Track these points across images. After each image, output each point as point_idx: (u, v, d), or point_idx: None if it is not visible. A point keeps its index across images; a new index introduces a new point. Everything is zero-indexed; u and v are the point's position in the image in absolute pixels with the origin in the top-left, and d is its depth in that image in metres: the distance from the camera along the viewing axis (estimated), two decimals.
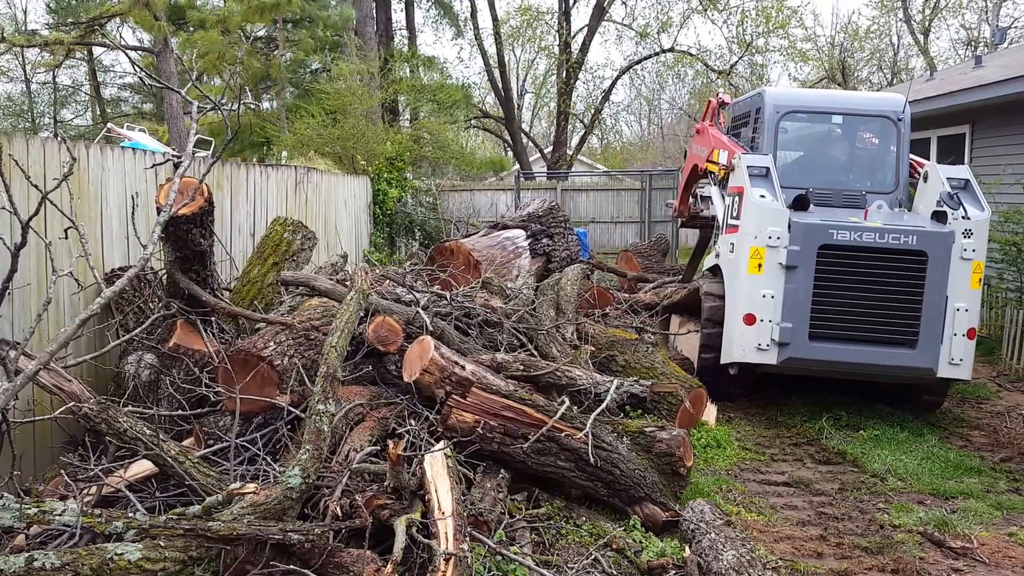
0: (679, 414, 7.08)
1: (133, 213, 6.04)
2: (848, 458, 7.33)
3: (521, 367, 6.51)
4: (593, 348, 7.81)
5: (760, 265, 7.83)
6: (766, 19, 29.70)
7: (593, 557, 4.77)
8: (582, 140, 34.98)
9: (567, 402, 5.85)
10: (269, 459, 4.86)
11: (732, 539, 4.84)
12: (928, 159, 11.42)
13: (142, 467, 4.84)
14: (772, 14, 29.53)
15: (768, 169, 8.31)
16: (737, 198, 8.36)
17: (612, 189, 23.99)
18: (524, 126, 38.60)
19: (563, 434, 5.55)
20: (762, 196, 7.97)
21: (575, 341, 7.87)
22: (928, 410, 8.66)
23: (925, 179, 8.60)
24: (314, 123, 19.48)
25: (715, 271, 9.00)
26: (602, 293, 10.19)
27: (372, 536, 4.46)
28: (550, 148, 33.71)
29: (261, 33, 30.34)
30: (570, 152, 33.98)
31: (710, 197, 12.19)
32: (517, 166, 31.42)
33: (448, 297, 7.20)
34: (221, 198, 8.44)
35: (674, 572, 4.74)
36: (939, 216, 8.10)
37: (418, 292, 7.17)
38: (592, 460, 5.49)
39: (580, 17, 56.63)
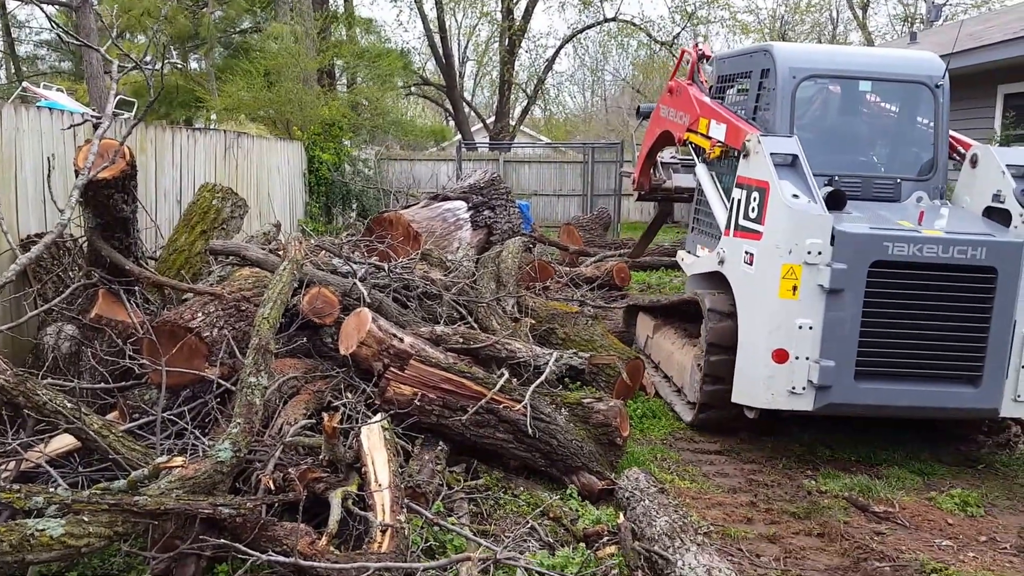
0: (617, 385, 7.21)
1: (49, 176, 5.90)
2: (779, 428, 7.40)
3: (461, 340, 6.54)
4: (533, 321, 7.88)
5: (795, 288, 6.31)
6: None
7: (530, 526, 4.87)
8: (525, 111, 35.03)
9: (506, 374, 5.92)
10: (198, 433, 4.81)
11: (665, 506, 4.96)
12: None
13: (63, 442, 4.75)
14: None
15: (796, 157, 6.68)
16: (757, 195, 6.72)
17: (555, 161, 24.09)
18: (466, 95, 38.40)
19: (502, 406, 5.62)
20: (795, 196, 6.39)
21: (516, 314, 7.92)
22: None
23: (974, 163, 7.15)
24: (247, 85, 19.10)
25: (710, 278, 7.60)
26: (543, 266, 10.27)
27: (308, 510, 4.46)
28: (492, 118, 33.67)
29: None
30: (513, 123, 33.96)
31: (670, 166, 11.40)
32: (459, 136, 31.27)
33: (387, 269, 7.17)
34: (145, 162, 8.26)
35: (608, 538, 4.86)
36: (998, 216, 6.77)
37: (355, 263, 7.13)
38: (531, 432, 5.58)
39: None
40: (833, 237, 6.22)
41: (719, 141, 7.88)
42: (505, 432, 5.66)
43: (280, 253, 6.91)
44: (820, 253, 6.21)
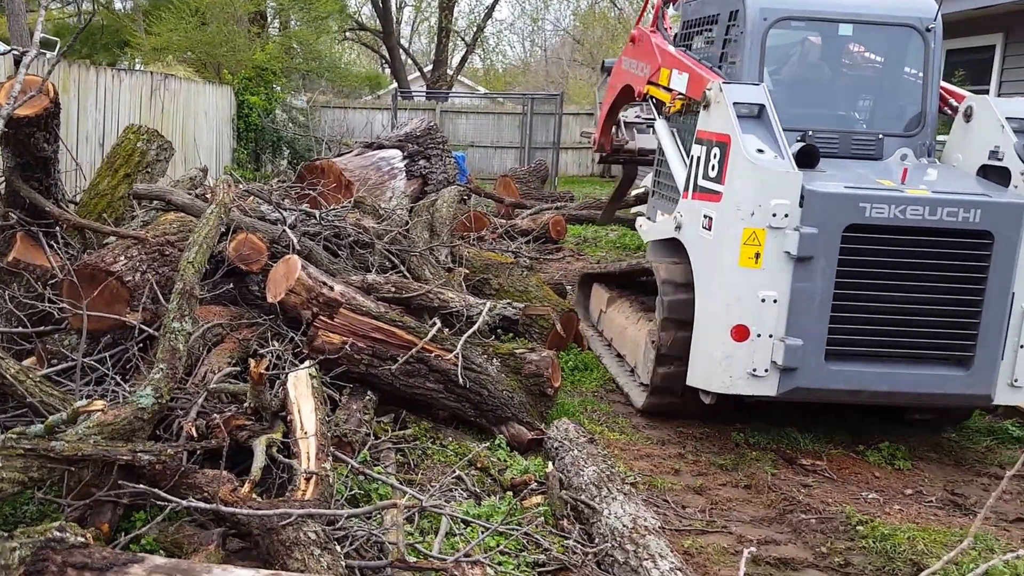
0: (550, 336, 7.25)
1: None
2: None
3: (393, 289, 6.54)
4: (467, 271, 7.89)
5: (758, 255, 5.64)
6: None
7: (457, 476, 4.92)
8: (463, 59, 34.70)
9: (438, 324, 5.95)
10: (119, 379, 4.75)
11: (593, 455, 5.06)
12: None
13: None
14: None
15: (763, 108, 5.99)
16: (718, 151, 6.03)
17: (493, 113, 23.99)
18: (403, 42, 37.83)
19: (433, 356, 5.64)
20: (760, 151, 5.73)
21: (449, 264, 7.93)
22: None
23: (967, 117, 6.47)
24: (178, 26, 18.57)
25: (669, 246, 6.92)
26: (478, 217, 10.29)
27: (232, 459, 4.45)
28: (430, 67, 33.29)
29: None
30: (451, 72, 33.63)
31: (634, 125, 10.84)
32: (395, 84, 30.88)
33: (317, 216, 7.11)
34: (68, 103, 8.04)
35: (535, 488, 4.92)
36: (995, 175, 6.16)
37: (285, 210, 7.05)
38: (461, 381, 5.60)
39: None
40: (802, 197, 5.57)
41: (680, 93, 7.15)
42: (435, 382, 5.68)
43: (208, 198, 6.81)
44: (787, 216, 5.56)
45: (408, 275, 7.23)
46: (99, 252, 5.42)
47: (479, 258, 8.28)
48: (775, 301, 5.66)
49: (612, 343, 8.05)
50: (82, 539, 3.09)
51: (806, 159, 5.94)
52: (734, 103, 5.97)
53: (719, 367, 5.84)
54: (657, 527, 4.32)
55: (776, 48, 7.04)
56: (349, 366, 5.55)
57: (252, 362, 4.47)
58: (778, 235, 5.61)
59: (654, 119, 8.24)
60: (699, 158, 6.32)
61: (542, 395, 6.02)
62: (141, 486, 3.88)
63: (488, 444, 5.63)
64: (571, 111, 25.20)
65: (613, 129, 10.24)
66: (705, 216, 6.10)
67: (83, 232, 6.12)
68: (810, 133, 6.40)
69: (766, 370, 5.72)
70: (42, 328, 5.27)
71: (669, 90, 7.39)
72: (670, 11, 8.64)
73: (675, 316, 6.32)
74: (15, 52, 5.94)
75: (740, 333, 5.74)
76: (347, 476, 4.59)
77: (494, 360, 5.97)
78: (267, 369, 4.62)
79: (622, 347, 7.73)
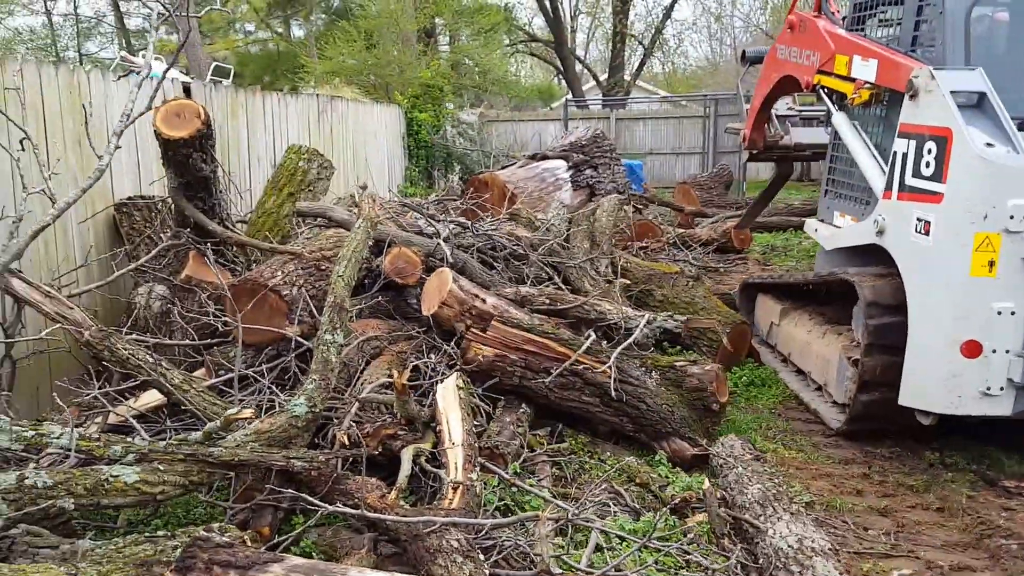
0: (719, 352, 7.11)
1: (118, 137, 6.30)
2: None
3: (547, 300, 6.68)
4: (629, 282, 7.91)
5: (992, 263, 5.27)
6: None
7: (614, 490, 4.96)
8: (641, 63, 34.67)
9: (593, 335, 6.01)
10: (276, 389, 5.13)
11: (760, 473, 4.97)
12: None
13: (153, 397, 5.16)
14: None
15: (983, 96, 5.53)
16: (933, 146, 5.67)
17: (673, 117, 23.73)
18: (579, 51, 38.22)
19: (588, 369, 5.71)
20: (989, 145, 5.32)
21: (610, 275, 7.99)
22: None
23: None
24: (348, 49, 19.57)
25: (858, 255, 6.66)
26: (645, 226, 10.26)
27: (386, 468, 4.74)
28: (606, 74, 33.41)
29: None
30: (628, 78, 33.63)
31: (787, 118, 10.36)
32: (568, 95, 31.23)
33: (471, 228, 7.37)
34: (238, 127, 8.70)
35: (697, 506, 4.88)
36: None
37: (439, 223, 7.35)
38: (615, 394, 5.64)
39: None
40: None
41: (867, 82, 6.81)
42: (591, 395, 5.75)
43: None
44: None
45: (565, 287, 7.35)
46: (258, 268, 5.86)
47: (642, 268, 8.28)
48: (1012, 313, 5.28)
49: (789, 358, 7.76)
50: (227, 539, 3.38)
51: None
52: (951, 91, 5.55)
53: (943, 386, 5.46)
54: (826, 548, 4.20)
55: (976, 26, 6.48)
56: (502, 378, 5.72)
57: (395, 373, 4.71)
58: (1017, 240, 5.21)
59: (809, 110, 8.14)
60: (905, 154, 5.95)
61: (707, 410, 5.94)
62: (291, 491, 4.19)
63: (648, 459, 5.63)
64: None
65: (765, 124, 9.81)
66: (919, 219, 5.70)
67: (247, 249, 6.62)
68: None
69: (1001, 388, 5.33)
70: (209, 341, 5.75)
71: (850, 79, 7.05)
72: None
73: (882, 341, 5.93)
74: (184, 81, 6.53)
75: (971, 349, 5.37)
76: (498, 487, 4.75)
77: (653, 373, 5.95)
78: (422, 379, 4.86)
79: (804, 363, 7.44)
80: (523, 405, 5.76)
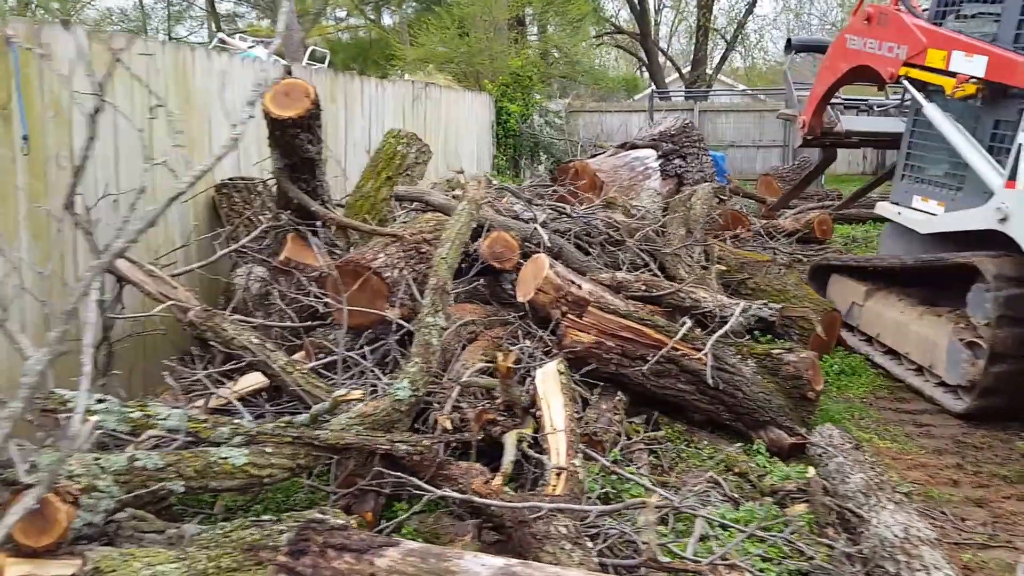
0: (812, 340, 6.94)
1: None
2: None
3: (643, 287, 6.49)
4: (723, 268, 7.70)
5: None
6: None
7: (713, 479, 4.78)
8: (723, 58, 34.00)
9: (688, 322, 5.82)
10: (378, 372, 5.01)
11: (861, 463, 4.81)
12: None
13: (253, 380, 5.07)
14: None
15: None
16: None
17: (754, 110, 23.21)
18: (662, 43, 37.65)
19: (684, 356, 5.54)
20: None
21: (703, 263, 7.77)
22: None
23: None
24: (441, 37, 19.45)
25: (950, 240, 6.80)
26: (735, 216, 10.01)
27: (485, 453, 4.59)
28: (688, 67, 32.88)
29: None
30: (710, 72, 33.04)
31: (837, 106, 10.38)
32: (652, 86, 30.79)
33: (568, 212, 7.20)
34: (336, 112, 8.64)
35: (797, 495, 4.73)
36: None
37: (536, 208, 7.19)
38: (711, 382, 5.47)
39: None
40: None
41: (973, 77, 6.86)
42: (687, 383, 5.58)
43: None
44: None
45: (660, 273, 7.15)
46: (359, 250, 5.76)
47: (735, 257, 8.05)
48: None
49: (877, 338, 7.68)
50: (342, 522, 3.27)
51: None
52: None
53: None
54: (932, 538, 4.06)
55: None
56: (599, 365, 5.56)
57: (500, 356, 4.56)
58: None
59: (855, 100, 8.63)
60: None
61: (803, 399, 5.75)
62: (398, 475, 4.06)
63: (745, 448, 5.47)
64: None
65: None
66: None
67: (346, 232, 6.53)
68: None
69: None
70: (309, 323, 5.65)
71: (948, 73, 7.06)
72: None
73: (1010, 313, 6.06)
74: (285, 64, 6.45)
75: None
76: (598, 474, 4.60)
77: (749, 361, 5.77)
78: (516, 363, 4.70)
79: (900, 344, 7.34)
80: (619, 392, 5.60)
